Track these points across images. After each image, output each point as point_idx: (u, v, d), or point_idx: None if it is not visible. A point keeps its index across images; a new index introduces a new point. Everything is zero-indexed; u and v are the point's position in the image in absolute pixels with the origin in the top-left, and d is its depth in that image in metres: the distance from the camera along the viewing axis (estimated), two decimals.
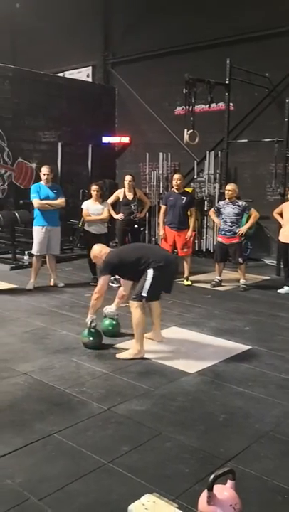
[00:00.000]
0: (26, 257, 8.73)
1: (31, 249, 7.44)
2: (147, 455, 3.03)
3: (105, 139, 12.00)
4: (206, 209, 9.81)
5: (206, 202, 9.98)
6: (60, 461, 2.95)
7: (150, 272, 4.50)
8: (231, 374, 4.29)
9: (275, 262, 8.83)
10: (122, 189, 7.97)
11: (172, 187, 7.94)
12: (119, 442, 3.16)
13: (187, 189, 8.64)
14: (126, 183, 7.86)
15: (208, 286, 7.55)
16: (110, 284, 7.35)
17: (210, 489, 2.18)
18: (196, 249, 9.90)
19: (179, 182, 7.64)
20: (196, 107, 8.38)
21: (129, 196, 7.84)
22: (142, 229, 9.48)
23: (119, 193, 7.95)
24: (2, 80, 10.32)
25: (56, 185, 7.62)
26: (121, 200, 7.88)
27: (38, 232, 7.16)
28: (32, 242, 7.35)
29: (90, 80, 12.74)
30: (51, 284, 7.37)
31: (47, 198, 7.12)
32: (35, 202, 7.07)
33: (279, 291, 7.27)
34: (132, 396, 3.81)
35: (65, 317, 5.87)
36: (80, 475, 2.80)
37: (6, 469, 2.85)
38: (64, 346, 4.87)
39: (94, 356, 4.62)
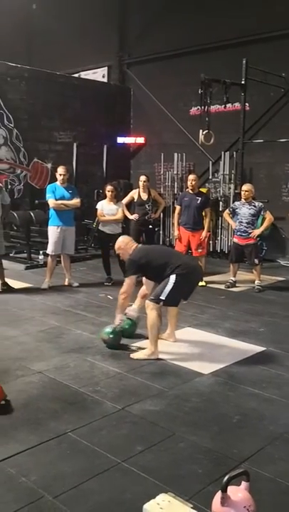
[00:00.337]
0: (41, 257, 8.79)
1: (46, 249, 7.50)
2: (161, 455, 3.03)
3: (120, 140, 12.03)
4: (220, 209, 9.78)
5: (220, 202, 9.95)
6: (74, 459, 2.97)
7: (172, 278, 4.48)
8: (245, 375, 4.27)
9: None
10: (137, 189, 7.99)
11: (187, 187, 7.93)
12: (133, 442, 3.17)
13: (202, 189, 8.63)
14: (140, 184, 7.88)
15: (222, 287, 7.52)
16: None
17: (224, 490, 2.18)
18: (211, 249, 9.87)
19: (193, 182, 7.63)
20: (211, 107, 8.36)
21: (144, 197, 7.86)
22: (156, 229, 9.49)
23: (133, 194, 7.97)
24: (18, 80, 10.41)
25: (71, 186, 7.66)
26: (135, 200, 7.90)
27: (53, 232, 7.21)
28: (47, 242, 7.40)
29: (105, 80, 12.78)
30: (66, 283, 7.41)
31: (62, 198, 7.17)
32: (51, 202, 7.12)
33: None
34: (146, 396, 3.81)
35: (80, 316, 5.90)
36: (94, 474, 2.82)
37: (21, 467, 2.88)
38: (78, 345, 4.90)
39: (108, 356, 4.64)
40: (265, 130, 9.83)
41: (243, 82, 8.79)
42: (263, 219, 7.45)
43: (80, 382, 4.02)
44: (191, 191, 7.67)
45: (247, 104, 9.13)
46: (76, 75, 12.80)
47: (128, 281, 4.72)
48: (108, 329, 4.85)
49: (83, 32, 12.60)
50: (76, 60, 12.85)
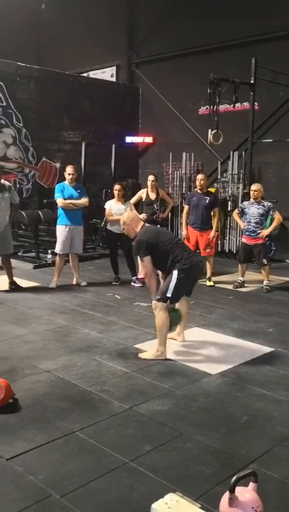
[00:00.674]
0: (49, 256, 8.81)
1: (54, 248, 7.51)
2: (168, 455, 3.03)
3: (129, 139, 12.04)
4: (229, 209, 9.75)
5: (229, 202, 9.92)
6: (82, 458, 2.97)
7: (175, 273, 4.48)
8: (253, 376, 4.25)
9: None
10: (145, 189, 7.98)
11: (195, 187, 7.92)
12: (141, 442, 3.16)
13: (210, 189, 8.60)
14: (149, 183, 7.87)
15: (230, 287, 7.50)
16: (132, 283, 7.41)
17: (232, 491, 2.17)
18: (219, 249, 9.85)
19: (202, 182, 7.61)
20: (220, 106, 8.34)
21: (152, 196, 7.85)
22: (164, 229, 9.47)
23: (142, 193, 7.97)
24: (27, 80, 10.45)
25: (80, 185, 7.68)
26: (144, 200, 7.89)
27: (61, 231, 7.22)
28: (55, 241, 7.42)
29: (114, 79, 12.80)
30: (74, 282, 7.43)
31: (71, 197, 7.18)
32: (60, 201, 7.14)
33: None
34: (153, 396, 3.81)
35: (87, 316, 5.91)
36: (101, 473, 2.82)
37: (28, 465, 2.88)
38: (86, 345, 4.91)
39: (116, 355, 4.64)
40: (274, 130, 9.79)
41: (252, 82, 8.76)
42: (272, 219, 7.41)
43: (87, 382, 4.03)
44: (199, 191, 7.65)
45: (256, 103, 9.10)
46: (85, 75, 12.84)
47: (145, 264, 4.67)
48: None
49: (92, 31, 12.62)
50: (85, 60, 12.88)
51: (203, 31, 10.47)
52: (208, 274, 7.63)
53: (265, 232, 7.28)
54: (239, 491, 2.20)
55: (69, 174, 7.25)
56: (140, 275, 7.60)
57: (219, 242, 9.82)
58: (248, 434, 3.32)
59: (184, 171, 10.87)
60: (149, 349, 4.72)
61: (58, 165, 10.97)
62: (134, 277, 7.49)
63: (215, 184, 10.46)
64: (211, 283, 7.60)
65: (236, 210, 7.79)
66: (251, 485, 2.26)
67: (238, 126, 9.40)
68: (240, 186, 9.74)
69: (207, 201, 7.51)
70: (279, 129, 9.70)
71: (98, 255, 9.71)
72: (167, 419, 3.46)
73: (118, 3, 12.21)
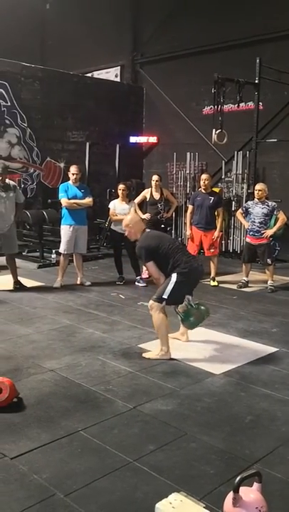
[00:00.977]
0: (54, 256, 8.82)
1: (59, 248, 7.52)
2: (173, 455, 3.03)
3: (133, 139, 12.05)
4: (233, 209, 9.74)
5: (233, 202, 9.91)
6: (86, 458, 2.97)
7: (174, 277, 4.47)
8: (258, 376, 4.25)
9: None
10: (149, 189, 7.98)
11: (199, 187, 7.91)
12: (145, 441, 3.16)
13: (214, 189, 8.60)
14: (153, 183, 7.87)
15: (235, 287, 7.49)
16: (136, 283, 7.41)
17: (236, 491, 2.17)
18: (223, 249, 9.84)
19: (206, 182, 7.60)
20: (224, 106, 8.33)
21: (156, 196, 7.85)
22: (168, 229, 9.48)
23: (146, 193, 7.97)
24: (32, 80, 10.47)
25: (84, 185, 7.69)
26: (148, 200, 7.90)
27: (65, 231, 7.23)
28: (59, 241, 7.43)
29: (118, 80, 12.80)
30: (78, 282, 7.44)
31: (75, 197, 7.19)
32: (64, 201, 7.15)
33: None
34: (157, 395, 3.81)
35: (92, 315, 5.91)
36: (105, 472, 2.82)
37: (32, 464, 2.89)
38: (90, 344, 4.91)
39: (120, 355, 4.64)
40: (278, 129, 9.77)
41: (256, 81, 8.75)
42: (276, 219, 7.39)
43: (91, 381, 4.03)
44: (203, 191, 7.65)
45: (260, 103, 9.08)
46: (89, 75, 12.85)
47: (149, 269, 4.68)
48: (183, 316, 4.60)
49: (96, 32, 12.64)
50: (89, 60, 12.90)
51: (207, 31, 10.46)
52: (213, 274, 7.63)
53: (270, 232, 7.26)
54: (243, 491, 2.20)
55: (73, 174, 7.26)
56: (144, 275, 7.60)
57: (223, 242, 9.81)
58: (252, 434, 3.31)
59: (188, 171, 10.86)
60: (153, 349, 4.72)
61: (62, 165, 10.98)
62: (138, 277, 7.49)
63: (219, 184, 10.46)
64: (215, 283, 7.59)
65: (240, 210, 7.78)
66: (255, 485, 2.26)
67: (243, 126, 9.39)
68: (245, 186, 9.72)
69: (211, 201, 7.50)
70: (283, 128, 9.68)
71: (102, 255, 9.71)
72: (171, 419, 3.46)
73: (122, 3, 12.21)
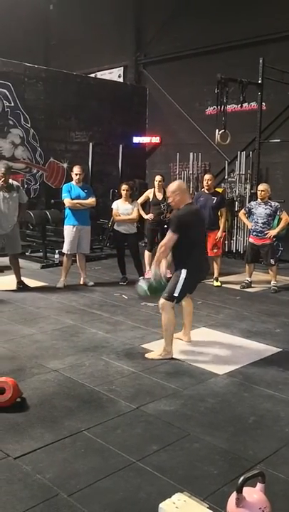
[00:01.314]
0: (57, 256, 8.83)
1: (62, 248, 7.53)
2: (176, 455, 3.03)
3: (136, 139, 12.05)
4: (236, 209, 9.73)
5: (236, 202, 9.90)
6: (89, 458, 2.98)
7: (183, 273, 4.46)
8: (261, 376, 4.24)
9: None
10: (152, 189, 7.99)
11: (203, 187, 7.91)
12: (148, 441, 3.16)
13: (218, 189, 8.59)
14: (156, 183, 7.87)
15: (237, 287, 7.48)
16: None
17: (239, 491, 2.17)
18: (226, 250, 9.83)
19: (209, 182, 7.60)
20: (227, 106, 8.33)
21: (159, 196, 7.85)
22: None
23: (149, 193, 7.98)
24: (35, 81, 10.49)
25: (87, 185, 7.69)
26: (151, 200, 7.90)
27: (68, 231, 7.24)
28: (62, 241, 7.44)
29: (121, 80, 12.81)
30: (81, 282, 7.44)
31: (78, 197, 7.19)
32: (67, 201, 7.15)
33: None
34: (160, 396, 3.81)
35: (95, 316, 5.92)
36: (108, 472, 2.82)
37: (36, 464, 2.89)
38: (93, 344, 4.91)
39: (123, 355, 4.65)
40: (281, 130, 9.76)
41: (259, 82, 8.74)
42: (279, 219, 7.38)
43: (94, 381, 4.04)
44: (206, 191, 7.64)
45: (264, 103, 9.07)
46: (92, 75, 12.86)
47: (169, 239, 4.40)
48: (143, 286, 4.63)
49: (99, 32, 12.65)
50: (92, 60, 12.92)
51: (210, 32, 10.46)
52: (216, 275, 7.62)
53: (273, 232, 7.26)
54: (246, 491, 2.20)
55: (76, 174, 7.27)
56: (147, 275, 7.59)
57: (226, 242, 9.80)
58: (256, 434, 3.31)
59: (191, 171, 10.85)
60: (156, 349, 4.72)
61: (65, 165, 11.00)
62: (141, 277, 7.47)
63: (222, 184, 10.45)
64: (218, 283, 7.59)
65: (243, 211, 7.78)
66: (259, 485, 2.26)
67: (246, 127, 9.38)
68: (248, 186, 9.72)
69: (214, 201, 7.50)
70: (287, 129, 9.67)
71: (105, 255, 9.72)
72: (174, 419, 3.46)
73: (126, 3, 12.22)
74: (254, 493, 2.23)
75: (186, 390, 3.94)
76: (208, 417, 3.51)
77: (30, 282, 7.30)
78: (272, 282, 7.39)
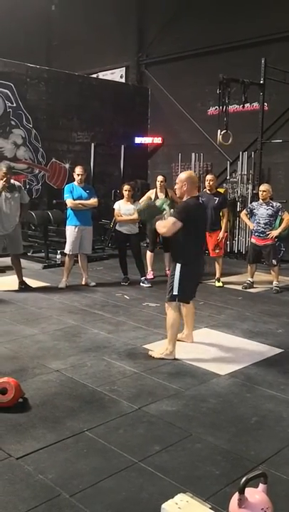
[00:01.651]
0: (59, 256, 8.84)
1: (64, 249, 7.53)
2: (178, 455, 3.03)
3: (138, 140, 12.06)
4: (238, 210, 9.73)
5: (238, 203, 9.90)
6: (91, 458, 2.98)
7: (178, 267, 4.46)
8: (263, 377, 4.24)
9: None
10: (154, 189, 7.99)
11: (204, 187, 7.90)
12: (150, 442, 3.16)
13: (219, 190, 8.59)
14: (158, 184, 7.88)
15: (239, 287, 7.48)
16: (141, 284, 7.41)
17: (241, 492, 2.17)
18: (228, 250, 9.83)
19: (211, 183, 7.60)
20: (229, 107, 8.33)
21: (161, 197, 7.82)
22: None
23: (151, 194, 7.97)
24: (37, 81, 10.50)
25: (89, 186, 7.70)
26: (153, 200, 7.89)
27: (70, 231, 7.24)
28: (64, 242, 7.44)
29: (123, 80, 12.82)
30: (83, 283, 7.44)
31: (80, 197, 7.19)
32: (69, 201, 7.16)
33: None
34: (162, 396, 3.81)
35: (97, 316, 5.92)
36: (111, 473, 2.82)
37: (38, 464, 2.89)
38: (95, 345, 4.92)
39: (125, 355, 4.65)
40: (283, 130, 9.75)
41: (261, 82, 8.74)
42: (281, 220, 7.38)
43: (96, 382, 4.04)
44: (208, 191, 7.64)
45: (266, 103, 9.07)
46: (94, 76, 12.87)
47: (172, 226, 4.34)
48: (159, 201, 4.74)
49: (101, 33, 12.66)
50: (94, 61, 12.93)
51: (212, 32, 10.46)
52: (218, 275, 7.62)
53: (275, 232, 7.25)
54: (249, 492, 2.20)
55: (78, 175, 7.27)
56: (149, 275, 7.61)
57: (228, 242, 9.80)
58: (258, 435, 3.31)
59: (193, 172, 10.84)
60: (158, 349, 4.72)
61: (67, 166, 11.00)
62: (143, 278, 7.50)
63: (224, 185, 10.45)
64: (220, 284, 7.58)
65: (244, 211, 7.77)
66: (261, 486, 2.26)
67: (248, 127, 9.38)
68: (250, 187, 9.71)
69: (216, 202, 7.50)
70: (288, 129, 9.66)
71: (107, 256, 9.72)
72: (176, 420, 3.46)
73: (128, 4, 12.23)
74: (256, 494, 2.23)
75: (188, 390, 3.94)
76: (210, 418, 3.51)
77: (32, 282, 7.30)
78: (274, 283, 7.39)
